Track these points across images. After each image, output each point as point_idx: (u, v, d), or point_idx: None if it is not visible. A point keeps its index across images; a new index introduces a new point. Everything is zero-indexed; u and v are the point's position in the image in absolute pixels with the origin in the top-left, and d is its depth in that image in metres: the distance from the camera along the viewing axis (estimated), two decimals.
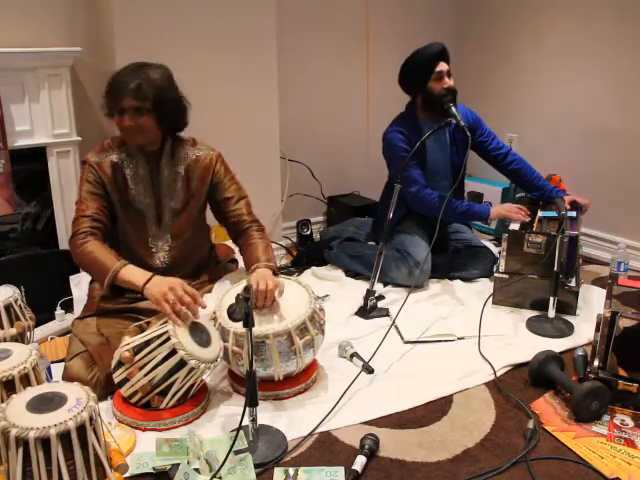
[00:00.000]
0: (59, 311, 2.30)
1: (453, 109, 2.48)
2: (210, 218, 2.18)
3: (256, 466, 1.48)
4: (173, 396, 1.65)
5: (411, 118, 2.66)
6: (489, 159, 2.79)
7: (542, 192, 2.70)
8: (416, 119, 2.65)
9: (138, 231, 1.99)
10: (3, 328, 1.79)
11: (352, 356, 2.03)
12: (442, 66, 2.54)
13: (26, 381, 1.45)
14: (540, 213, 2.63)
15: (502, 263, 2.48)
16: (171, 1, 2.50)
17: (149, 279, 1.75)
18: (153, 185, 1.97)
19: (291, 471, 1.49)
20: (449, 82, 2.55)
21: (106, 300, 1.96)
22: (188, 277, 2.07)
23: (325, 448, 1.60)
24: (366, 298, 2.40)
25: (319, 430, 1.66)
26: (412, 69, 2.58)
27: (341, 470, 1.50)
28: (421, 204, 2.61)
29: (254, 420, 1.53)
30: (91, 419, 1.26)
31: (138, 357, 1.64)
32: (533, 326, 2.27)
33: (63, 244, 2.51)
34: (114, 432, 1.55)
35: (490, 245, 2.90)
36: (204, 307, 1.78)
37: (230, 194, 2.08)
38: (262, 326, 1.75)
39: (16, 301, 1.85)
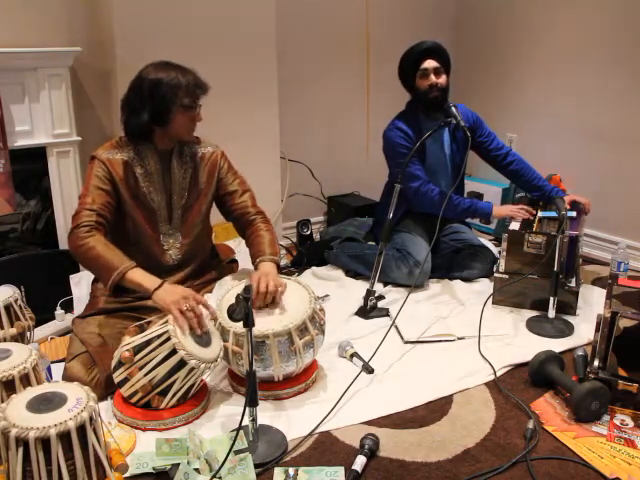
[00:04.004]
0: (59, 311, 2.30)
1: (453, 109, 2.48)
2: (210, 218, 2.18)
3: (256, 466, 1.48)
4: (173, 396, 1.65)
5: (411, 116, 2.66)
6: (489, 159, 2.79)
7: (542, 192, 2.70)
8: (416, 117, 2.66)
9: (150, 229, 1.99)
10: (3, 328, 1.79)
11: (352, 356, 2.03)
12: (428, 63, 2.54)
13: (26, 381, 1.45)
14: (540, 213, 2.63)
15: (502, 263, 2.48)
16: (171, 1, 2.50)
17: (160, 285, 1.75)
18: (164, 183, 1.98)
19: (291, 471, 1.49)
20: (433, 79, 2.54)
21: (111, 299, 1.96)
22: (192, 276, 2.08)
23: (325, 448, 1.60)
24: (366, 298, 2.40)
25: (319, 430, 1.66)
26: (402, 67, 2.62)
27: (341, 470, 1.50)
28: (423, 200, 2.61)
29: (254, 420, 1.53)
30: (91, 419, 1.26)
31: (138, 357, 1.64)
32: (533, 326, 2.27)
33: (63, 244, 2.51)
34: (114, 432, 1.56)
35: (490, 245, 2.90)
36: (214, 318, 1.79)
37: (234, 188, 2.10)
38: (262, 326, 1.75)
39: (16, 301, 1.85)
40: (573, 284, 2.38)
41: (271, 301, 1.85)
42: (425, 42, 2.56)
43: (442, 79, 2.56)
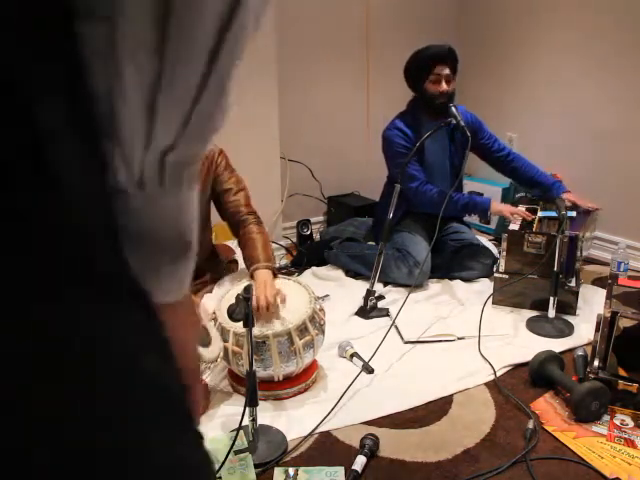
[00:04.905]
0: None
1: (453, 109, 2.48)
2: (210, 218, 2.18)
3: (256, 466, 1.48)
4: None
5: (412, 116, 2.67)
6: (492, 161, 2.81)
7: (543, 187, 2.72)
8: (417, 117, 2.66)
9: None
10: None
11: (352, 356, 2.03)
12: (441, 69, 2.54)
13: None
14: (540, 213, 2.63)
15: (502, 263, 2.48)
16: None
17: None
18: None
19: (291, 471, 1.49)
20: (445, 87, 2.55)
21: None
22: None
23: (325, 448, 1.60)
24: (366, 298, 2.40)
25: (319, 430, 1.66)
26: (412, 66, 2.61)
27: (341, 470, 1.50)
28: (423, 199, 2.61)
29: (254, 420, 1.54)
30: None
31: None
32: (533, 326, 2.27)
33: None
34: None
35: (490, 245, 2.90)
36: (214, 318, 1.79)
37: (229, 186, 2.09)
38: (262, 326, 1.75)
39: None
40: (573, 284, 2.38)
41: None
42: (442, 47, 2.55)
43: (451, 86, 2.58)
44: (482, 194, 3.50)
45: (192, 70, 0.35)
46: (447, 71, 2.55)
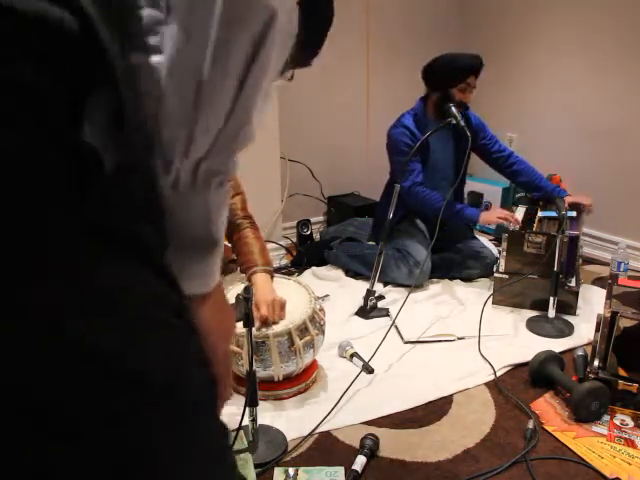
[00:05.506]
0: None
1: (453, 109, 2.48)
2: None
3: (256, 466, 1.48)
4: None
5: (419, 115, 2.67)
6: (492, 162, 2.81)
7: (543, 192, 2.71)
8: (424, 117, 2.66)
9: None
10: None
11: (352, 356, 2.03)
12: (473, 81, 2.59)
13: None
14: (540, 213, 2.63)
15: (502, 263, 2.48)
16: None
17: None
18: None
19: (291, 471, 1.50)
20: (470, 98, 2.61)
21: None
22: None
23: (325, 448, 1.60)
24: (366, 298, 2.40)
25: (319, 430, 1.66)
26: (446, 69, 2.59)
27: (341, 470, 1.50)
28: (415, 199, 2.61)
29: (254, 420, 1.54)
30: None
31: None
32: (533, 326, 2.27)
33: None
34: None
35: (490, 245, 2.90)
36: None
37: None
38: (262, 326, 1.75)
39: None
40: (573, 284, 2.38)
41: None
42: (478, 58, 2.59)
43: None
44: (482, 194, 3.50)
45: (221, 107, 0.45)
46: (475, 83, 2.60)
